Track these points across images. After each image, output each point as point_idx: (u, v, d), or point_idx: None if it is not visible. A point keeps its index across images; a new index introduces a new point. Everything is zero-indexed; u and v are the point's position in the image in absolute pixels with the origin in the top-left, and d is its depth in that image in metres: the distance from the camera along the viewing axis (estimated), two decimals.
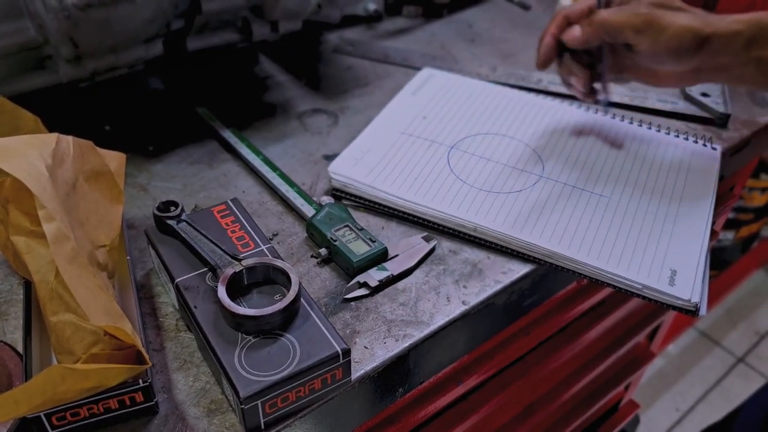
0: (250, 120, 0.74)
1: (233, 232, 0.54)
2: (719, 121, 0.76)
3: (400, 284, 0.56)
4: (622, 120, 0.73)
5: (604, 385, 0.96)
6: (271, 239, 0.60)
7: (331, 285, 0.56)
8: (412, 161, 0.66)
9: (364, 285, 0.55)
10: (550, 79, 0.82)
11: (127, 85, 0.76)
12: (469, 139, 0.69)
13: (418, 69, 0.84)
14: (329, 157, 0.69)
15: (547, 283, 0.62)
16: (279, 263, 0.49)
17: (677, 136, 0.71)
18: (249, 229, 0.55)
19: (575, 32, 0.62)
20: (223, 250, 0.51)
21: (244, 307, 0.47)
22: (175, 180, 0.66)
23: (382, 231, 0.61)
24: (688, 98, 0.79)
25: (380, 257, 0.56)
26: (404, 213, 0.62)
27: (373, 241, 0.57)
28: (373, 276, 0.55)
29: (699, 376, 1.79)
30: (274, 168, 0.66)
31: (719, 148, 0.70)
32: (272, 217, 0.62)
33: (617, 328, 0.85)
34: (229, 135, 0.70)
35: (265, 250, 0.53)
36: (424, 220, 0.61)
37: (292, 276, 0.48)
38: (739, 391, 1.75)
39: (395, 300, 0.55)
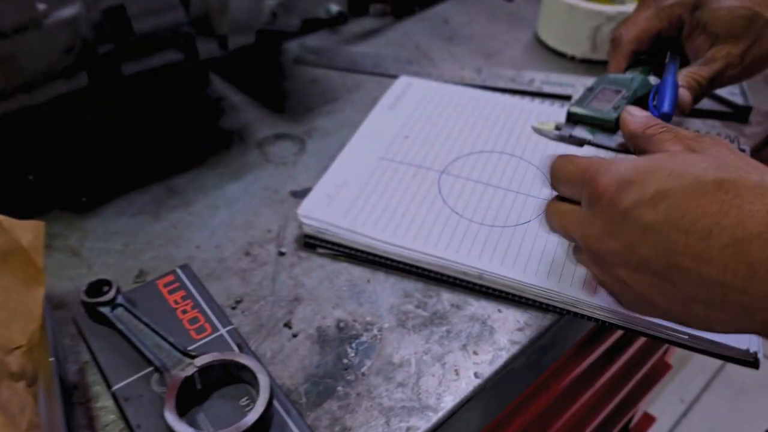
0: (203, 153, 0.63)
1: (184, 312, 0.44)
2: (740, 115, 0.67)
3: (397, 356, 0.46)
4: None
5: (623, 404, 0.87)
6: (234, 307, 0.49)
7: (312, 363, 0.46)
8: (397, 193, 0.55)
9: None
10: (544, 78, 0.72)
11: (51, 126, 0.64)
12: (462, 161, 0.59)
13: (392, 77, 0.73)
14: (297, 194, 0.59)
15: (570, 331, 0.52)
16: (243, 359, 0.39)
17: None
18: (204, 305, 0.44)
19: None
20: (170, 343, 0.40)
21: (202, 418, 0.36)
22: (115, 238, 0.55)
23: (367, 285, 0.51)
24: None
25: None
26: (393, 261, 0.51)
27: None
28: None
29: (699, 365, 1.72)
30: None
31: (748, 148, 0.61)
32: (234, 276, 0.52)
33: (636, 354, 0.76)
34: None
35: (225, 334, 0.42)
36: (417, 268, 0.51)
37: (260, 378, 0.37)
38: (741, 377, 1.69)
39: (392, 379, 0.45)
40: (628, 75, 0.57)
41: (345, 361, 0.46)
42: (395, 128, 0.62)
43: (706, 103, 0.68)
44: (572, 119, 0.57)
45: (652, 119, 0.44)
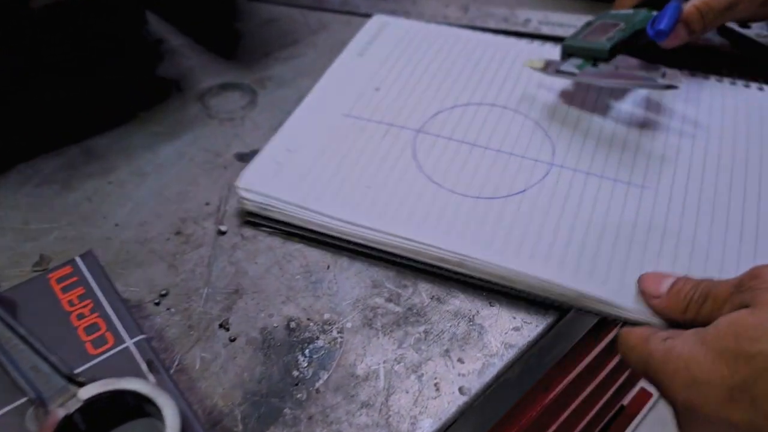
0: (131, 108, 0.52)
1: (81, 317, 0.33)
2: None
3: (361, 365, 0.36)
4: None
5: (621, 388, 0.79)
6: (157, 302, 0.39)
7: (253, 376, 0.36)
8: (362, 159, 0.45)
9: None
10: (541, 17, 0.61)
11: None
12: (444, 115, 0.48)
13: (364, 16, 0.62)
14: (244, 157, 0.48)
15: (574, 327, 0.43)
16: (143, 387, 0.28)
17: (733, 83, 0.52)
18: (107, 308, 0.34)
19: None
20: (52, 365, 0.30)
21: None
22: (12, 215, 0.44)
23: (327, 271, 0.41)
24: (725, 32, 0.59)
25: None
26: (356, 244, 0.41)
27: None
28: None
29: None
30: None
31: None
32: (160, 262, 0.41)
33: None
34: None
35: (132, 346, 0.32)
36: (386, 252, 0.41)
37: (167, 414, 0.27)
38: None
39: (354, 397, 0.35)
40: (631, 11, 0.50)
41: (295, 373, 0.36)
42: (364, 79, 0.51)
43: (725, 45, 0.57)
44: (566, 52, 0.49)
45: (679, 294, 0.35)
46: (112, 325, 0.33)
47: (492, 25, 0.60)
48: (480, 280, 0.39)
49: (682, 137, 0.46)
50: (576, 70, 0.47)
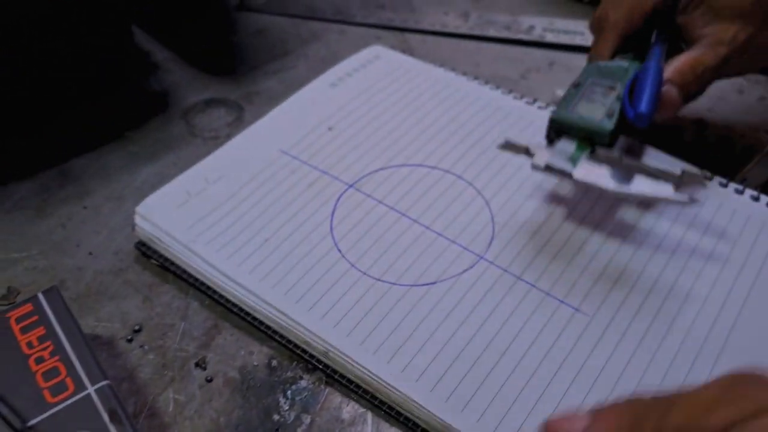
0: (112, 126, 0.49)
1: (40, 360, 0.31)
2: None
3: (347, 409, 0.33)
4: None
5: None
6: (130, 339, 0.36)
7: (230, 421, 0.33)
8: (276, 206, 0.40)
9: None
10: (546, 24, 0.58)
11: None
12: (386, 173, 0.42)
13: (358, 25, 0.59)
14: None
15: None
16: None
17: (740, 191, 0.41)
18: (69, 350, 0.31)
19: None
20: (2, 416, 0.27)
21: None
22: None
23: (209, 332, 0.37)
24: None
25: None
26: (235, 306, 0.37)
27: None
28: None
29: None
30: None
31: None
32: (135, 295, 0.38)
33: None
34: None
35: (94, 393, 0.29)
36: (259, 322, 0.36)
37: None
38: None
39: None
40: (622, 63, 0.41)
41: (275, 417, 0.33)
42: (324, 113, 0.47)
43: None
44: (555, 130, 0.38)
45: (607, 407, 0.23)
46: (73, 370, 0.30)
47: (493, 33, 0.57)
48: (342, 378, 0.34)
49: (654, 258, 0.38)
50: (569, 166, 0.36)
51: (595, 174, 0.36)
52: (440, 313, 0.35)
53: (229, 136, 0.48)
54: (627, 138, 0.38)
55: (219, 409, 0.33)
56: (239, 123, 0.50)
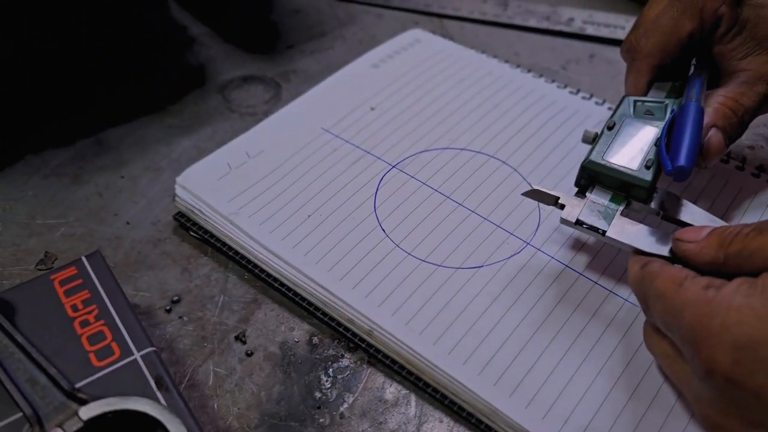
0: (149, 98, 0.49)
1: (85, 324, 0.30)
2: None
3: (390, 390, 0.33)
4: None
5: None
6: (169, 309, 0.36)
7: (271, 396, 0.32)
8: (317, 183, 0.40)
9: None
10: (586, 17, 0.57)
11: None
12: (430, 155, 0.42)
13: (395, 9, 0.58)
14: None
15: None
16: (150, 407, 0.25)
17: None
18: (114, 315, 0.31)
19: None
20: (51, 377, 0.27)
21: None
22: (17, 208, 0.41)
23: (249, 306, 0.36)
24: None
25: None
26: (276, 280, 0.37)
27: None
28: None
29: None
30: None
31: None
32: (173, 266, 0.38)
33: None
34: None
35: (140, 359, 0.29)
36: (301, 297, 0.36)
37: None
38: None
39: (382, 425, 0.32)
40: (661, 99, 0.37)
41: (317, 394, 0.33)
42: (365, 93, 0.46)
43: None
44: (586, 176, 0.35)
45: (723, 232, 0.27)
46: (120, 335, 0.30)
47: (533, 23, 0.57)
48: (385, 358, 0.33)
49: None
50: (603, 223, 0.33)
51: (630, 233, 0.32)
52: (487, 297, 0.34)
53: (266, 113, 0.47)
54: (663, 190, 0.34)
55: (260, 383, 0.33)
56: (277, 100, 0.49)
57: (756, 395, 0.22)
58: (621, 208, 0.33)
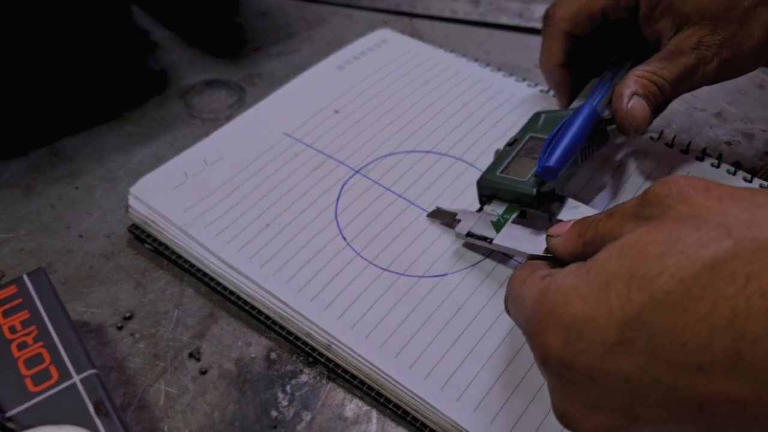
0: (107, 105, 0.47)
1: (23, 346, 0.29)
2: None
3: (350, 406, 0.31)
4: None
5: None
6: (120, 326, 0.34)
7: (224, 416, 0.31)
8: (278, 190, 0.38)
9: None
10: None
11: None
12: (394, 159, 0.40)
13: (364, 9, 0.57)
14: None
15: None
16: None
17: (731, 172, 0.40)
18: (54, 336, 0.29)
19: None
20: None
21: None
22: None
23: (204, 321, 0.35)
24: None
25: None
26: (233, 294, 0.35)
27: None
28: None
29: None
30: None
31: None
32: (127, 280, 0.36)
33: None
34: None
35: (79, 383, 0.27)
36: (258, 311, 0.34)
37: None
38: None
39: None
40: (572, 109, 0.37)
41: (273, 413, 0.31)
42: (330, 96, 0.44)
43: None
44: (482, 193, 0.36)
45: (582, 222, 0.27)
46: (59, 357, 0.28)
47: (505, 20, 0.55)
48: (345, 373, 0.32)
49: None
50: (491, 232, 0.33)
51: (517, 239, 0.32)
52: (451, 307, 0.33)
53: (229, 118, 0.46)
54: (559, 195, 0.34)
55: (213, 403, 0.31)
56: (240, 105, 0.48)
57: (588, 376, 0.21)
58: (513, 216, 0.34)
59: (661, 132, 0.42)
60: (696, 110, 0.47)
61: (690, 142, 0.41)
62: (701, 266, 0.20)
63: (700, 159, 0.40)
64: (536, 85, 0.46)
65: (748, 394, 0.19)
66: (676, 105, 0.46)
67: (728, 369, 0.19)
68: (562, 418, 0.24)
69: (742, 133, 0.45)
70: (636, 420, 0.21)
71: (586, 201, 0.37)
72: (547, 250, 0.29)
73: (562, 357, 0.22)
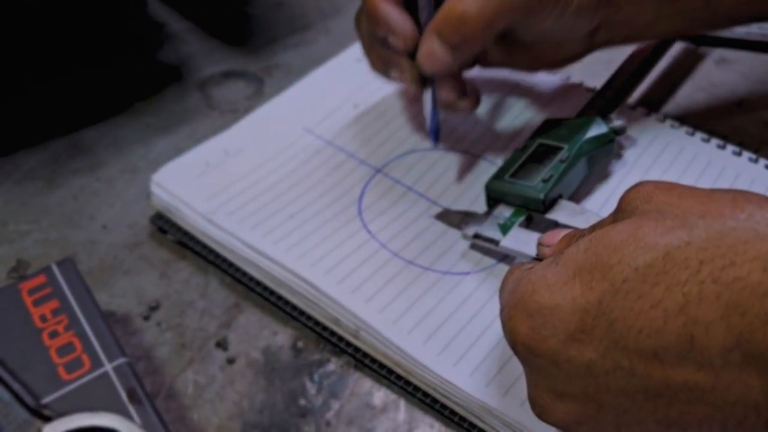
0: (125, 97, 0.47)
1: (54, 334, 0.29)
2: None
3: (378, 395, 0.31)
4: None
5: None
6: (147, 317, 0.34)
7: (253, 405, 0.31)
8: (301, 186, 0.38)
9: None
10: None
11: None
12: (416, 156, 0.40)
13: None
14: None
15: None
16: (120, 425, 0.24)
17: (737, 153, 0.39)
18: (85, 325, 0.29)
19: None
20: (13, 392, 0.25)
21: None
22: None
23: (230, 311, 0.35)
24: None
25: None
26: (258, 284, 0.35)
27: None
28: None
29: None
30: None
31: None
32: (151, 270, 0.36)
33: None
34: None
35: (111, 371, 0.27)
36: (284, 301, 0.34)
37: None
38: None
39: (371, 431, 0.30)
40: (579, 121, 0.37)
41: (302, 402, 0.31)
42: (349, 90, 0.44)
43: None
44: (490, 197, 0.36)
45: (571, 235, 0.28)
46: (90, 346, 0.28)
47: None
48: (373, 362, 0.32)
49: None
50: (498, 235, 0.34)
51: (523, 241, 0.33)
52: (476, 302, 0.33)
53: (248, 109, 0.46)
54: (569, 202, 0.35)
55: (242, 392, 0.31)
56: (259, 96, 0.48)
57: (553, 361, 0.22)
58: (520, 220, 0.34)
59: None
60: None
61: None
62: (656, 254, 0.20)
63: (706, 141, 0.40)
64: (568, 78, 0.45)
65: (704, 380, 0.19)
66: (694, 93, 0.45)
67: (682, 354, 0.19)
68: (534, 406, 0.24)
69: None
70: (601, 409, 0.22)
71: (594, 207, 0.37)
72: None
73: (527, 343, 0.23)
